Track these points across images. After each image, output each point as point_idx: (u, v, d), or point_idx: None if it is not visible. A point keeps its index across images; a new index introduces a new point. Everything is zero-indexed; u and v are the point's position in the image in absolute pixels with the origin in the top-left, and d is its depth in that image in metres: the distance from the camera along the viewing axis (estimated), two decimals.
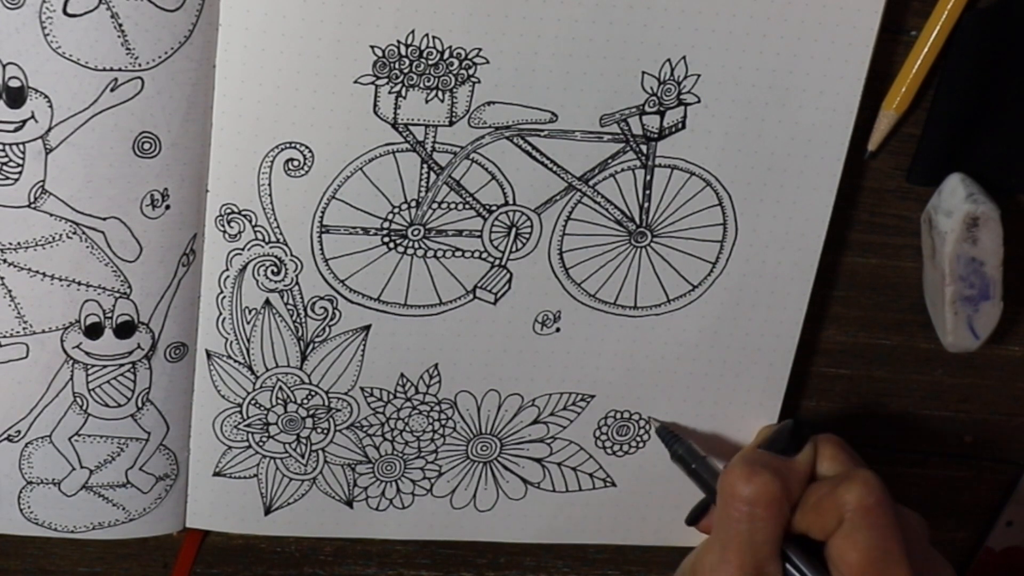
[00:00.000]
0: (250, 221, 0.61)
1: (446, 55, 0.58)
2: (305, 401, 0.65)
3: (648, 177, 0.62)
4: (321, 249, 0.62)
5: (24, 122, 0.56)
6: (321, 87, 0.58)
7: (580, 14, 0.58)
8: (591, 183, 0.62)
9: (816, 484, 0.60)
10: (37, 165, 0.57)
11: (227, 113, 0.58)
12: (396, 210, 0.61)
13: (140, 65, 0.56)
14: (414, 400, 0.66)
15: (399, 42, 0.58)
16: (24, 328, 0.61)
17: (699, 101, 0.61)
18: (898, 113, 0.62)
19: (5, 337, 0.61)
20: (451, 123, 0.60)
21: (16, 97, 0.56)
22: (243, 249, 0.61)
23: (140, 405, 0.64)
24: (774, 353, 0.67)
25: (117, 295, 0.61)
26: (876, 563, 0.57)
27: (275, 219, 0.61)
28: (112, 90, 0.56)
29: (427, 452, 0.68)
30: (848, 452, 0.62)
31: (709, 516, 0.64)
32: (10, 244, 0.59)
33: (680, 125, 0.61)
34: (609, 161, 0.62)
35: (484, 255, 0.63)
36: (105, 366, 0.62)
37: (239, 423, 0.65)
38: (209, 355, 0.64)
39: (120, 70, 0.56)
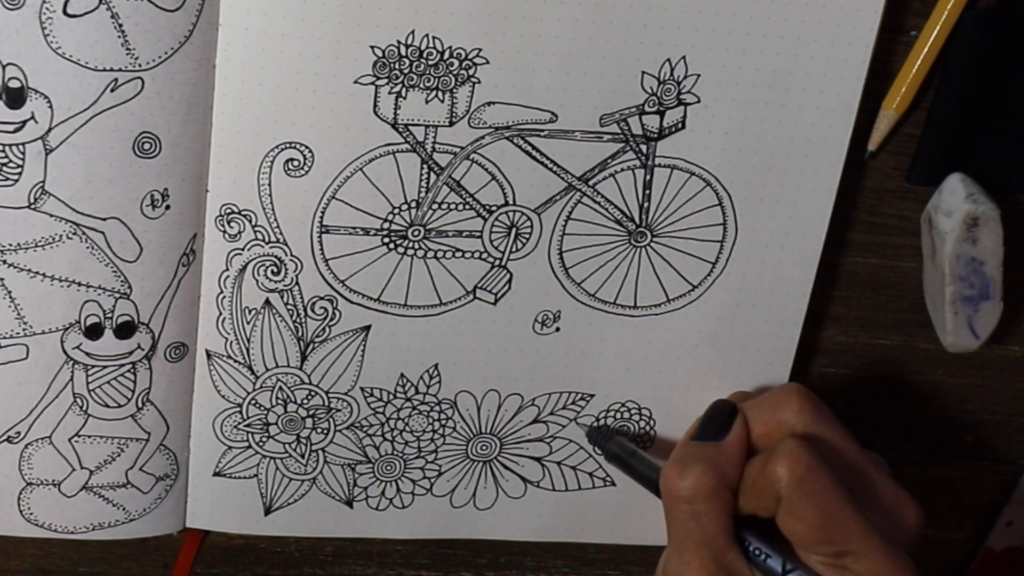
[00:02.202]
0: (250, 221, 0.61)
1: (446, 55, 0.58)
2: (305, 401, 0.65)
3: (648, 177, 0.62)
4: (321, 249, 0.62)
5: (24, 123, 0.56)
6: (321, 87, 0.58)
7: (580, 14, 0.58)
8: (591, 183, 0.62)
9: (750, 463, 0.60)
10: (37, 166, 0.57)
11: (227, 113, 0.58)
12: (396, 210, 0.61)
13: (140, 65, 0.56)
14: (414, 400, 0.66)
15: (399, 42, 0.58)
16: (24, 329, 0.61)
17: (699, 101, 0.61)
18: (898, 113, 0.62)
19: (5, 338, 0.61)
20: (451, 123, 0.60)
21: (16, 98, 0.56)
22: (243, 249, 0.61)
23: (140, 405, 0.64)
24: (774, 353, 0.67)
25: (117, 295, 0.61)
26: (822, 530, 0.57)
27: (275, 219, 0.61)
28: (112, 90, 0.56)
29: (427, 452, 0.68)
30: (814, 401, 0.61)
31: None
32: (10, 245, 0.59)
33: (680, 125, 0.61)
34: (609, 161, 0.62)
35: (484, 255, 0.63)
36: (105, 366, 0.62)
37: (239, 423, 0.65)
38: (209, 355, 0.64)
39: (120, 70, 0.56)
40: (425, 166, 0.61)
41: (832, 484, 0.57)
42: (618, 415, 0.68)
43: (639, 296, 0.65)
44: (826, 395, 0.70)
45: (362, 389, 0.66)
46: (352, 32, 0.57)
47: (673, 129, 0.62)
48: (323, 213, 0.61)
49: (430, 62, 0.58)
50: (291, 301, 0.63)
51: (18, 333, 0.61)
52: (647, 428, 0.68)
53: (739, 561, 0.59)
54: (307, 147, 0.59)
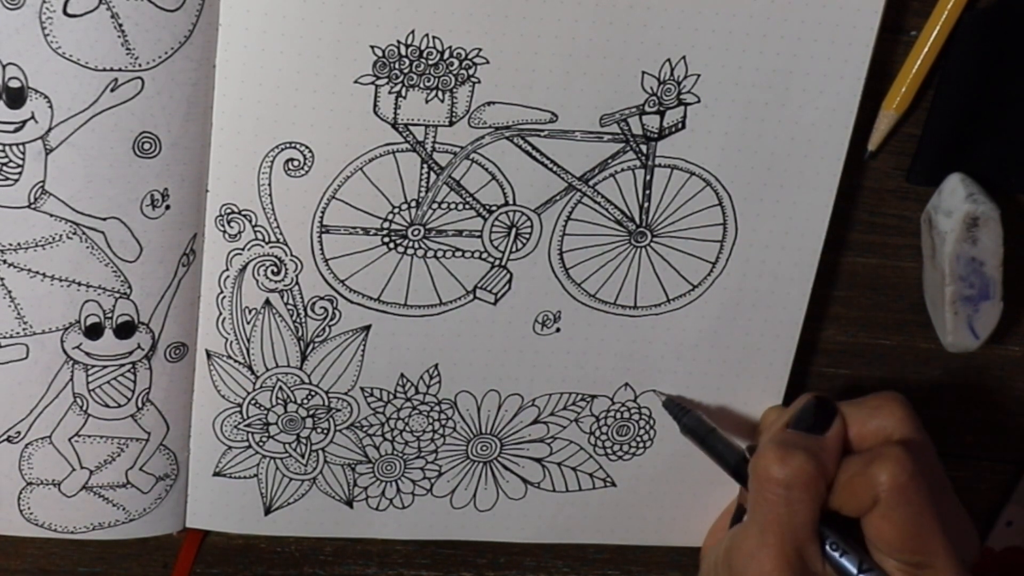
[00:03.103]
0: (250, 221, 0.61)
1: (446, 55, 0.58)
2: (305, 401, 0.65)
3: (648, 177, 0.62)
4: (321, 249, 0.62)
5: (24, 122, 0.56)
6: (321, 87, 0.58)
7: (580, 14, 0.58)
8: (591, 183, 0.62)
9: (847, 462, 0.60)
10: (37, 165, 0.57)
11: (227, 113, 0.58)
12: (396, 210, 0.61)
13: (140, 65, 0.56)
14: (414, 400, 0.66)
15: (399, 42, 0.58)
16: (24, 329, 0.61)
17: (699, 101, 0.61)
18: (898, 113, 0.62)
19: (5, 338, 0.61)
20: (451, 123, 0.60)
21: (16, 97, 0.56)
22: (243, 249, 0.61)
23: (140, 405, 0.64)
24: (774, 353, 0.67)
25: (117, 295, 0.61)
26: (913, 539, 0.57)
27: (275, 219, 0.61)
28: (112, 90, 0.56)
29: (427, 452, 0.68)
30: (913, 413, 0.62)
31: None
32: (10, 244, 0.59)
33: (680, 125, 0.61)
34: (609, 161, 0.62)
35: (484, 255, 0.63)
36: (105, 366, 0.62)
37: (239, 423, 0.65)
38: (209, 355, 0.64)
39: (120, 70, 0.56)
40: (425, 166, 0.61)
41: (928, 498, 0.58)
42: (618, 415, 0.68)
43: (639, 296, 0.65)
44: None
45: (362, 389, 0.66)
46: (352, 32, 0.57)
47: (673, 129, 0.62)
48: (323, 213, 0.61)
49: (430, 62, 0.58)
50: (291, 301, 0.63)
51: (18, 333, 0.61)
52: (647, 428, 0.68)
53: (817, 556, 0.59)
54: (307, 147, 0.59)
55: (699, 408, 0.67)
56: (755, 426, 0.68)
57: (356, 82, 0.58)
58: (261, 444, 0.66)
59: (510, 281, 0.64)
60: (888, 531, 0.58)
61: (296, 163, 0.60)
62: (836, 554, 0.59)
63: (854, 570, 0.58)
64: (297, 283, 0.62)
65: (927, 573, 0.58)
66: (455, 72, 0.59)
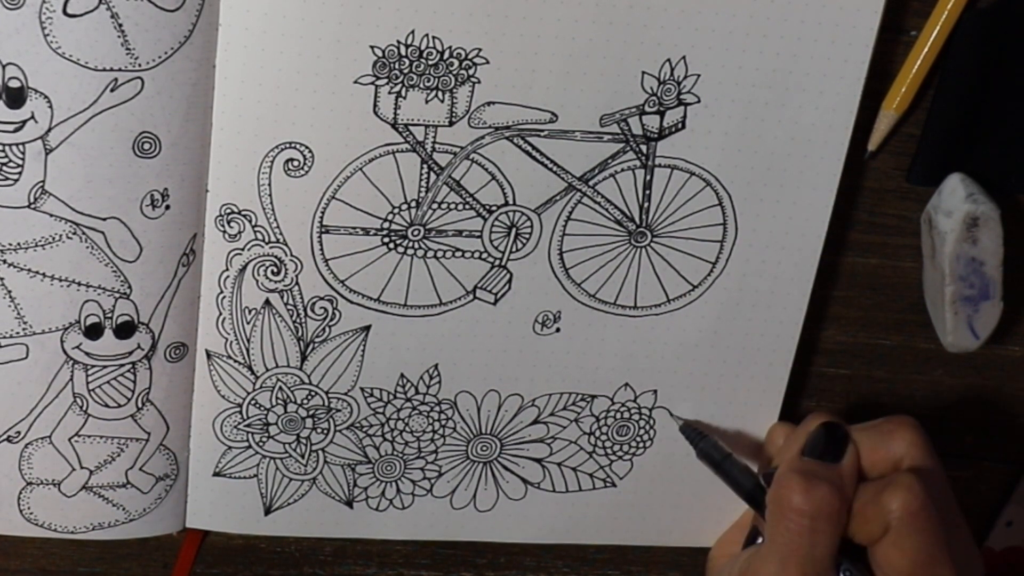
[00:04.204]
0: (250, 221, 0.61)
1: (446, 55, 0.58)
2: (305, 401, 0.65)
3: (648, 177, 0.62)
4: (321, 249, 0.62)
5: (24, 122, 0.56)
6: (321, 87, 0.58)
7: (580, 14, 0.58)
8: (591, 183, 0.62)
9: (860, 489, 0.60)
10: (37, 165, 0.57)
11: (227, 113, 0.58)
12: (396, 210, 0.61)
13: (140, 65, 0.56)
14: (414, 400, 0.66)
15: (399, 42, 0.58)
16: (24, 328, 0.61)
17: (699, 101, 0.61)
18: (898, 113, 0.62)
19: (5, 338, 0.61)
20: (451, 123, 0.60)
21: (16, 97, 0.56)
22: (243, 249, 0.61)
23: (140, 405, 0.64)
24: (774, 353, 0.67)
25: (117, 295, 0.61)
26: (923, 567, 0.57)
27: (275, 219, 0.61)
28: (112, 90, 0.56)
29: (427, 452, 0.68)
30: (924, 437, 0.62)
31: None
32: (10, 244, 0.59)
33: (680, 125, 0.61)
34: (609, 161, 0.62)
35: (484, 255, 0.63)
36: (105, 366, 0.62)
37: (239, 423, 0.65)
38: (209, 355, 0.64)
39: (120, 70, 0.56)
40: (425, 166, 0.61)
41: (938, 527, 0.58)
42: (618, 415, 0.68)
43: (639, 296, 0.65)
44: (826, 395, 0.70)
45: (362, 389, 0.66)
46: (352, 32, 0.57)
47: (673, 129, 0.62)
48: (323, 213, 0.61)
49: (430, 62, 0.58)
50: (291, 301, 0.63)
51: (18, 333, 0.61)
52: (647, 428, 0.68)
53: None
54: (307, 147, 0.59)
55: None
56: (755, 427, 0.68)
57: (356, 82, 0.58)
58: (261, 444, 0.66)
59: (510, 281, 0.64)
60: (898, 559, 0.58)
61: (296, 163, 0.60)
62: None
63: None
64: (297, 283, 0.62)
65: None
66: (455, 72, 0.59)
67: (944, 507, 0.59)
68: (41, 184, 0.58)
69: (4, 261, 0.59)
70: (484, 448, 0.68)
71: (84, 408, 0.63)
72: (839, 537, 0.59)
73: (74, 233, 0.59)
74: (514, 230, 0.63)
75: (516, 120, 0.60)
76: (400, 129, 0.60)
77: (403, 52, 0.58)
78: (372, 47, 0.58)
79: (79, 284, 0.60)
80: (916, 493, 0.58)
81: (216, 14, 0.56)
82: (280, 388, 0.65)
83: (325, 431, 0.66)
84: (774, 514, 0.59)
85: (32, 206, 0.58)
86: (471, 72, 0.59)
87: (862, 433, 0.62)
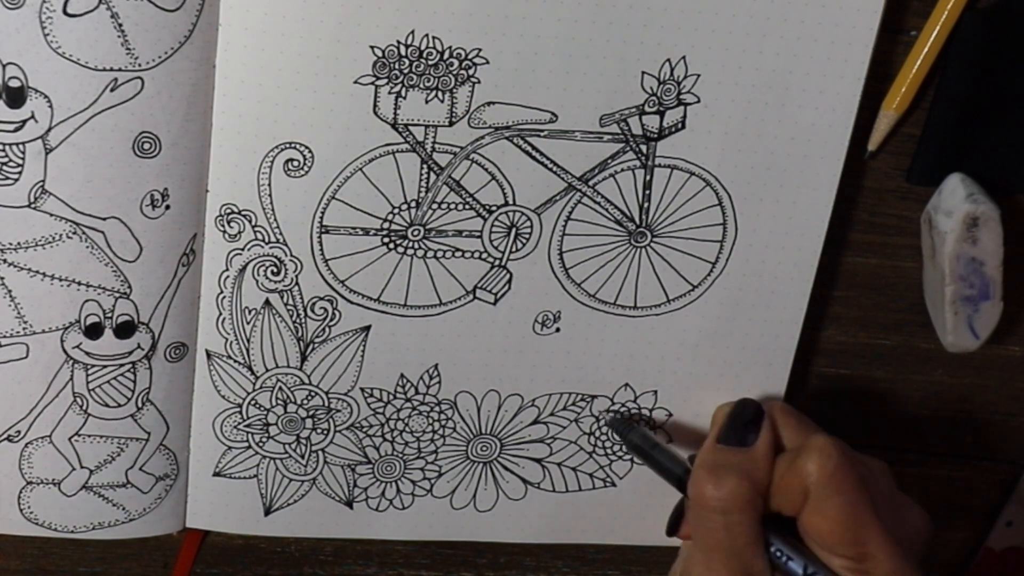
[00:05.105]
0: (250, 221, 0.61)
1: (446, 55, 0.58)
2: (305, 402, 0.65)
3: (648, 177, 0.62)
4: (321, 249, 0.62)
5: (24, 122, 0.56)
6: (321, 87, 0.58)
7: (580, 14, 0.58)
8: (591, 183, 0.62)
9: (778, 461, 0.60)
10: (37, 165, 0.57)
11: (227, 113, 0.58)
12: (396, 210, 0.61)
13: (140, 65, 0.56)
14: (414, 401, 0.66)
15: (399, 42, 0.58)
16: (24, 328, 0.61)
17: (699, 101, 0.61)
18: (898, 113, 0.62)
19: (5, 337, 0.61)
20: (451, 123, 0.60)
21: (16, 97, 0.56)
22: (243, 249, 0.61)
23: (140, 405, 0.64)
24: (774, 353, 0.67)
25: (117, 295, 0.61)
26: (848, 529, 0.57)
27: (275, 219, 0.61)
28: (112, 90, 0.56)
29: (427, 452, 0.68)
30: (800, 418, 0.62)
31: (687, 523, 0.64)
32: (10, 244, 0.59)
33: (680, 125, 0.61)
34: (609, 161, 0.62)
35: (484, 255, 0.63)
36: (105, 366, 0.62)
37: (239, 423, 0.65)
38: (209, 355, 0.64)
39: (120, 70, 0.56)
40: (425, 166, 0.61)
41: (859, 485, 0.57)
42: (618, 416, 0.68)
43: (639, 296, 0.65)
44: (826, 395, 0.70)
45: (362, 389, 0.66)
46: (352, 32, 0.57)
47: (673, 129, 0.62)
48: (323, 213, 0.61)
49: (430, 62, 0.58)
50: (291, 301, 0.63)
51: (18, 332, 0.61)
52: (647, 428, 0.68)
53: (766, 570, 0.59)
54: (307, 147, 0.59)
55: (698, 408, 0.67)
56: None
57: (356, 82, 0.58)
58: (261, 444, 0.66)
59: (510, 281, 0.64)
60: (821, 524, 0.57)
61: (296, 163, 0.60)
62: (782, 560, 0.59)
63: (800, 573, 0.58)
64: (297, 283, 0.62)
65: (868, 565, 0.57)
66: (455, 72, 0.59)
67: (864, 470, 0.59)
68: (41, 184, 0.58)
69: (4, 261, 0.59)
70: (484, 448, 0.68)
71: (84, 408, 0.63)
72: (758, 522, 0.59)
73: (74, 233, 0.59)
74: (514, 230, 0.63)
75: (516, 120, 0.60)
76: (400, 129, 0.60)
77: (403, 52, 0.58)
78: (372, 47, 0.58)
79: (79, 284, 0.60)
80: (830, 455, 0.57)
81: (216, 14, 0.56)
82: (280, 388, 0.65)
83: (325, 431, 0.66)
84: (692, 512, 0.60)
85: (32, 206, 0.58)
86: (471, 72, 0.59)
87: (778, 406, 0.62)
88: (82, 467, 0.65)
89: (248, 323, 0.63)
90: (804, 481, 0.57)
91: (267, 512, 0.68)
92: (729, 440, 0.61)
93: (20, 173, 0.57)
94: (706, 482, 0.59)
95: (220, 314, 0.63)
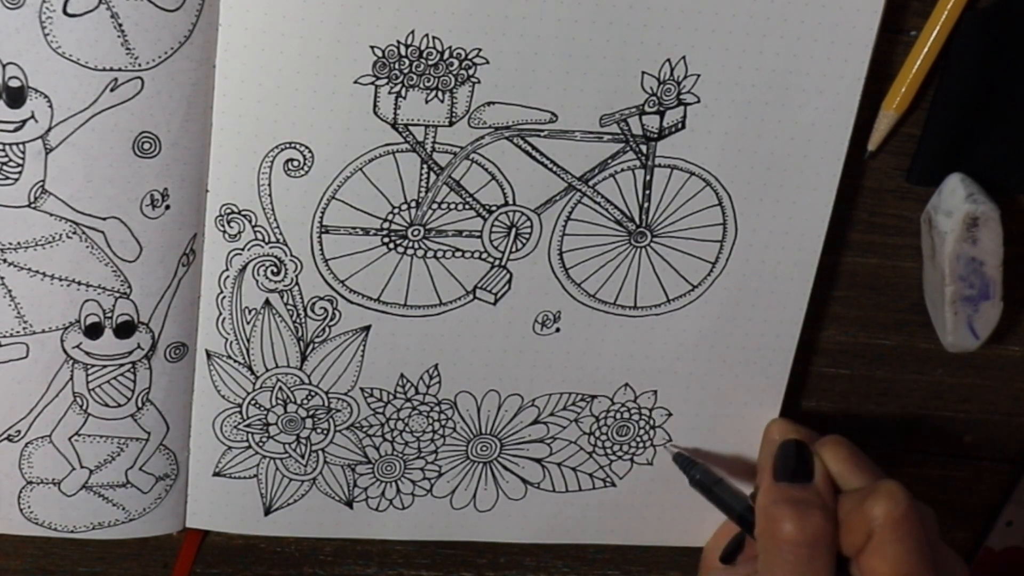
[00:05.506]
0: (250, 221, 0.61)
1: (446, 55, 0.58)
2: (305, 401, 0.65)
3: (648, 177, 0.62)
4: (321, 249, 0.62)
5: (24, 122, 0.56)
6: (321, 87, 0.58)
7: (580, 14, 0.58)
8: (591, 183, 0.62)
9: (841, 499, 0.60)
10: (37, 165, 0.57)
11: (227, 113, 0.58)
12: (396, 210, 0.61)
13: (140, 65, 0.56)
14: (414, 400, 0.66)
15: (399, 42, 0.58)
16: (24, 328, 0.61)
17: (699, 101, 0.61)
18: (898, 113, 0.62)
19: (5, 337, 0.61)
20: (451, 123, 0.60)
21: (16, 97, 0.56)
22: (243, 249, 0.61)
23: (140, 405, 0.64)
24: (774, 353, 0.67)
25: (117, 295, 0.61)
26: (906, 575, 0.57)
27: (275, 219, 0.61)
28: (112, 90, 0.56)
29: (427, 452, 0.68)
30: (859, 454, 0.62)
31: (744, 557, 0.64)
32: (10, 244, 0.59)
33: (680, 125, 0.61)
34: (609, 161, 0.62)
35: (484, 255, 0.63)
36: (105, 366, 0.62)
37: (239, 423, 0.65)
38: (209, 355, 0.64)
39: (120, 70, 0.56)
40: (425, 166, 0.61)
41: (921, 534, 0.58)
42: (618, 416, 0.68)
43: (639, 296, 0.65)
44: (826, 395, 0.70)
45: (362, 389, 0.66)
46: (352, 32, 0.57)
47: (673, 129, 0.62)
48: (323, 213, 0.61)
49: (430, 62, 0.58)
50: (291, 301, 0.63)
51: (18, 332, 0.61)
52: (647, 428, 0.68)
53: None
54: (307, 147, 0.59)
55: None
56: (755, 427, 0.68)
57: (356, 82, 0.58)
58: (261, 444, 0.66)
59: (510, 281, 0.64)
60: (881, 566, 0.57)
61: (296, 163, 0.60)
62: None
63: None
64: (297, 283, 0.62)
65: None
66: (455, 72, 0.59)
67: (924, 516, 0.59)
68: (41, 183, 0.58)
69: (4, 260, 0.59)
70: (484, 448, 0.68)
71: (84, 407, 0.63)
72: (835, 558, 0.59)
73: (74, 233, 0.59)
74: (514, 230, 0.63)
75: (516, 120, 0.60)
76: (400, 129, 0.60)
77: (403, 52, 0.58)
78: (372, 47, 0.58)
79: (79, 284, 0.60)
80: (899, 500, 0.58)
81: (216, 14, 0.56)
82: (280, 388, 0.65)
83: (325, 431, 0.66)
84: (768, 548, 0.59)
85: (32, 205, 0.58)
86: (471, 72, 0.59)
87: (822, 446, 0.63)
88: (82, 467, 0.65)
89: (248, 323, 0.63)
90: (870, 524, 0.58)
91: (267, 512, 0.68)
92: (786, 475, 0.61)
93: (20, 173, 0.57)
94: (790, 517, 0.58)
95: (220, 314, 0.63)
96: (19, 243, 0.59)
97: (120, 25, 0.55)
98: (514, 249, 0.63)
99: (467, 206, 0.62)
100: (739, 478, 0.67)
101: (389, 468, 0.68)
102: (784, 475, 0.61)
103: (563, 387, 0.67)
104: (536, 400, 0.67)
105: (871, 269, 0.67)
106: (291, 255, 0.62)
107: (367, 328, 0.64)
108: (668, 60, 0.60)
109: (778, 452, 0.62)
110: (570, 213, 0.63)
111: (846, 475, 0.61)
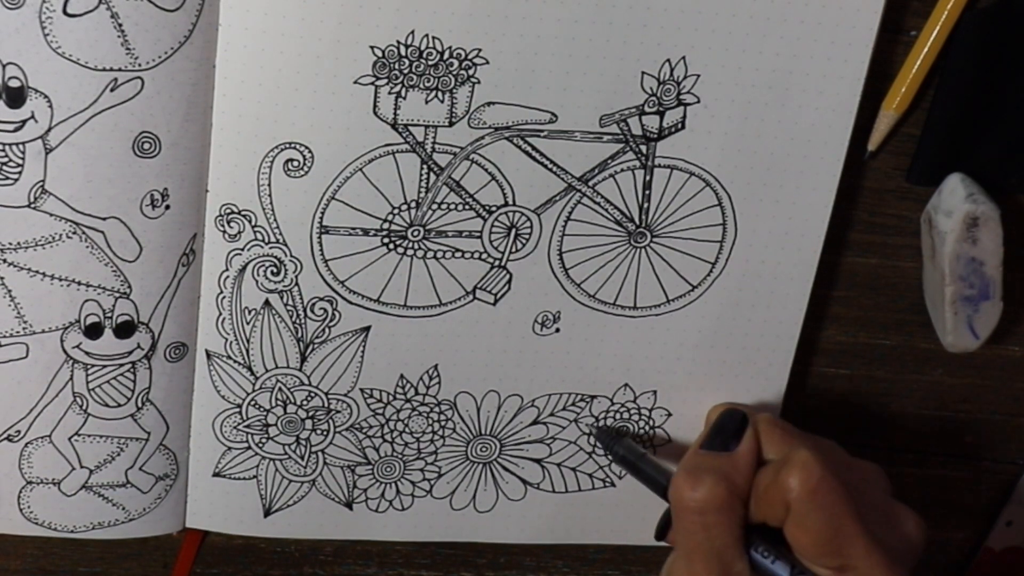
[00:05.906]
0: (250, 221, 0.61)
1: (446, 55, 0.58)
2: (305, 402, 0.65)
3: (648, 177, 0.62)
4: (321, 250, 0.62)
5: (24, 122, 0.56)
6: (321, 87, 0.58)
7: (580, 14, 0.58)
8: (591, 183, 0.62)
9: (761, 472, 0.60)
10: (37, 165, 0.57)
11: (227, 113, 0.58)
12: (396, 211, 0.61)
13: (140, 65, 0.56)
14: (414, 401, 0.66)
15: (399, 42, 0.58)
16: (24, 328, 0.61)
17: (699, 101, 0.61)
18: (898, 113, 0.62)
19: (5, 337, 0.61)
20: (451, 124, 0.60)
21: (16, 97, 0.56)
22: (243, 249, 0.61)
23: (140, 405, 0.64)
24: (774, 353, 0.67)
25: (117, 295, 0.61)
26: (829, 542, 0.57)
27: (275, 219, 0.61)
28: (112, 90, 0.56)
29: (427, 453, 0.68)
30: (786, 429, 0.62)
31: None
32: (10, 244, 0.59)
33: (680, 125, 0.62)
34: (609, 161, 0.62)
35: (484, 256, 0.63)
36: (105, 366, 0.62)
37: (239, 424, 0.65)
38: (209, 355, 0.64)
39: (120, 70, 0.56)
40: (425, 166, 0.61)
41: (841, 498, 0.57)
42: (618, 416, 0.68)
43: (639, 296, 0.65)
44: (826, 395, 0.70)
45: (362, 390, 0.66)
46: (352, 32, 0.57)
47: (673, 129, 0.62)
48: (323, 213, 0.61)
49: (430, 62, 0.58)
50: (291, 302, 0.63)
51: (18, 332, 0.61)
52: (647, 428, 0.68)
53: (746, 571, 0.59)
54: (307, 147, 0.59)
55: (698, 409, 0.67)
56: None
57: (356, 82, 0.58)
58: (261, 445, 0.66)
59: (510, 281, 0.64)
60: (802, 538, 0.57)
61: (296, 163, 0.60)
62: (768, 561, 0.59)
63: (786, 575, 0.58)
64: (297, 284, 0.62)
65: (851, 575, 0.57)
66: (455, 72, 0.59)
67: (850, 479, 0.59)
68: (41, 184, 0.58)
69: (4, 260, 0.59)
70: (484, 449, 0.68)
71: (84, 407, 0.63)
72: (738, 524, 0.59)
73: (74, 233, 0.59)
74: (514, 230, 0.63)
75: (516, 120, 0.60)
76: (400, 129, 0.60)
77: (403, 52, 0.58)
78: (372, 47, 0.58)
79: (79, 284, 0.60)
80: (811, 470, 0.57)
81: (216, 14, 0.56)
82: (280, 389, 0.65)
83: (325, 432, 0.66)
84: (674, 514, 0.60)
85: (32, 205, 0.58)
86: (471, 72, 0.59)
87: (763, 416, 0.63)
88: (82, 467, 0.65)
89: (248, 323, 0.63)
90: (786, 495, 0.58)
91: (267, 513, 0.68)
92: (713, 446, 0.62)
93: (20, 173, 0.57)
94: (684, 484, 0.59)
95: (220, 314, 0.63)
96: (19, 243, 0.59)
97: (120, 25, 0.55)
98: (514, 249, 0.63)
99: (467, 206, 0.62)
100: None
101: (389, 469, 0.68)
102: (710, 444, 0.62)
103: (563, 387, 0.67)
104: (536, 400, 0.67)
105: (871, 269, 0.67)
106: (291, 255, 0.62)
107: (367, 329, 0.64)
108: (668, 60, 0.60)
109: (713, 422, 0.63)
110: (570, 213, 0.63)
111: (777, 446, 0.61)
